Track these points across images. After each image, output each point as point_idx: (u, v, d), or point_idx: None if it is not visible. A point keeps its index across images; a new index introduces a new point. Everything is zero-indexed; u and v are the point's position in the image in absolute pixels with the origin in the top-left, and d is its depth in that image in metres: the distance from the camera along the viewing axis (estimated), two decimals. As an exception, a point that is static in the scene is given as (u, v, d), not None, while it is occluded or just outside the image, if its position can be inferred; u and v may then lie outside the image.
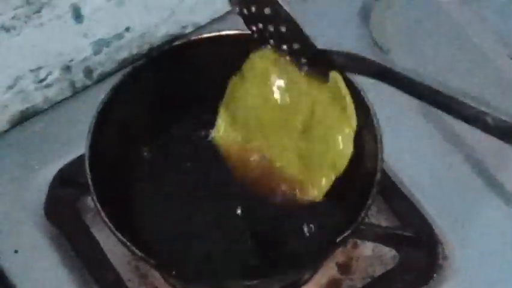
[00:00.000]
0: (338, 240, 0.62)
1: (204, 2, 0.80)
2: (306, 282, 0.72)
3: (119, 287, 0.71)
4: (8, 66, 0.74)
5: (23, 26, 0.71)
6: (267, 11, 0.62)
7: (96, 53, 0.78)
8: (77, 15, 0.74)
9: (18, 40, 0.71)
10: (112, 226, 0.62)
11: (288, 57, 0.65)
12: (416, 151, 0.76)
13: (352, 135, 0.64)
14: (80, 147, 0.66)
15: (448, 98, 0.60)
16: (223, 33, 0.70)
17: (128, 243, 0.62)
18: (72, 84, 0.79)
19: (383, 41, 0.82)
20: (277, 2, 0.61)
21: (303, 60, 0.64)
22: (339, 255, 0.73)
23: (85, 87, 0.80)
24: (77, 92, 0.80)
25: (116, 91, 0.68)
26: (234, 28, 0.69)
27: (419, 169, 0.75)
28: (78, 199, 0.74)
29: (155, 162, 0.74)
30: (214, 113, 0.70)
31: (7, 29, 0.70)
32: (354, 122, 0.64)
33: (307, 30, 0.62)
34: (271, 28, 0.63)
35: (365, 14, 0.84)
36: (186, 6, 0.80)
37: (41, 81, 0.77)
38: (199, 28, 0.82)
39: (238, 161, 0.70)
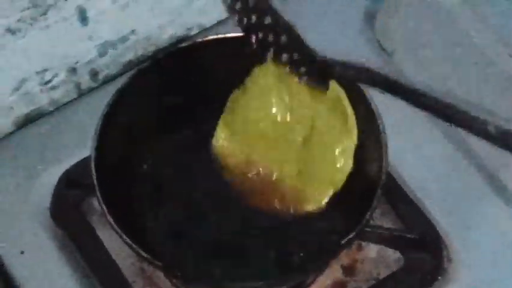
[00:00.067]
0: (342, 242, 0.62)
1: (213, 3, 0.80)
2: (310, 284, 0.72)
3: (124, 288, 0.72)
4: (13, 68, 0.74)
5: (29, 28, 0.71)
6: (267, 20, 0.62)
7: (101, 55, 0.78)
8: (83, 18, 0.74)
9: (24, 42, 0.71)
10: (117, 228, 0.62)
11: (288, 68, 0.64)
12: (420, 153, 0.76)
13: (353, 148, 0.64)
14: (85, 149, 0.67)
15: (449, 108, 0.59)
16: (229, 35, 0.70)
17: (134, 245, 0.62)
18: (77, 86, 0.79)
19: (387, 43, 0.82)
20: (277, 11, 0.61)
21: (303, 70, 0.64)
22: (343, 257, 0.73)
23: (91, 89, 0.80)
24: (82, 94, 0.80)
25: (121, 93, 0.68)
26: (240, 30, 0.69)
27: (423, 171, 0.75)
28: (83, 200, 0.75)
29: (158, 164, 0.74)
30: (219, 117, 0.70)
31: (13, 32, 0.70)
32: (355, 135, 0.64)
33: (310, 34, 0.62)
34: (270, 38, 0.63)
35: (370, 17, 0.84)
36: (195, 7, 0.80)
37: (47, 83, 0.77)
38: (205, 30, 0.82)
39: (237, 172, 0.70)
